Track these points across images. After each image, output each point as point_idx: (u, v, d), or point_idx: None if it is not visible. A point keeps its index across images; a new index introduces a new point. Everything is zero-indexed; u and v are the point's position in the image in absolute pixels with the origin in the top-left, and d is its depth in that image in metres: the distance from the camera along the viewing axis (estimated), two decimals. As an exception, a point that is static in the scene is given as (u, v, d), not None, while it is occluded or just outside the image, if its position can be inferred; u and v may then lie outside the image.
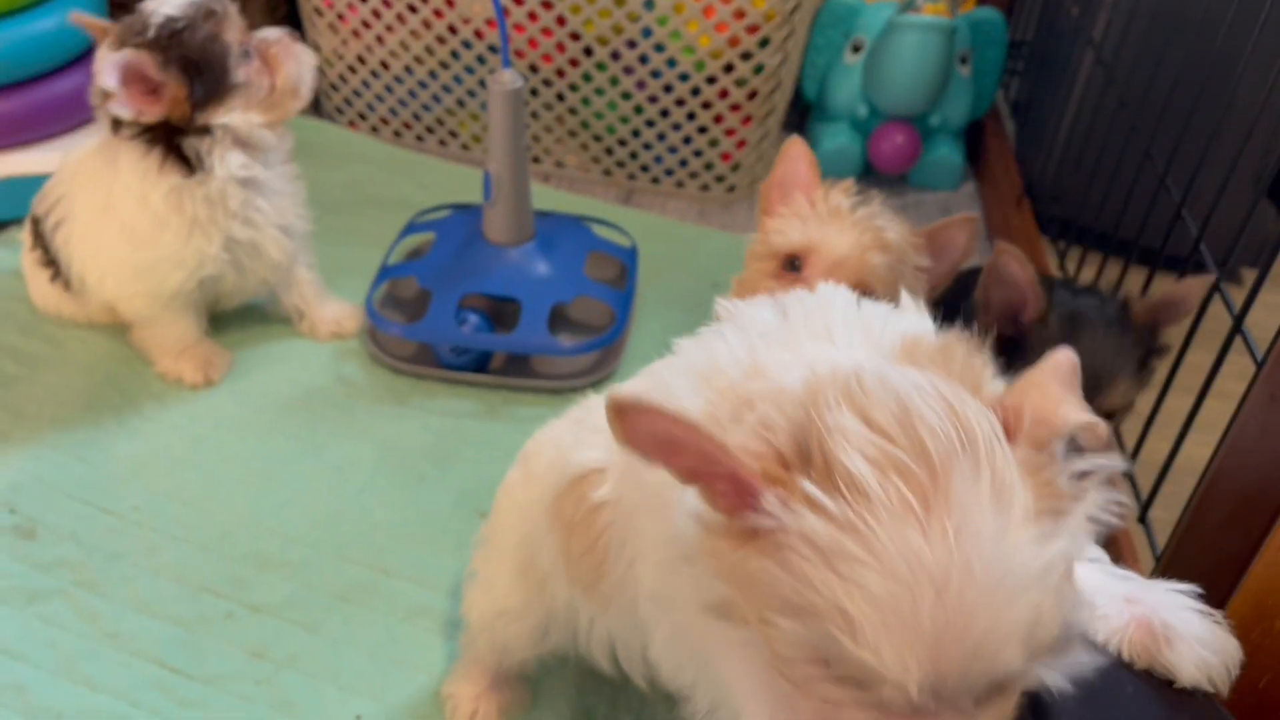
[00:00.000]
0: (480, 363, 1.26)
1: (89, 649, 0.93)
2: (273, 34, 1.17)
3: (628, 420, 0.42)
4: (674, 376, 0.53)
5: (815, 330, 0.50)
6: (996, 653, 0.39)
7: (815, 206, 0.91)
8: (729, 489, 0.43)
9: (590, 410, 0.74)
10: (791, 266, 0.91)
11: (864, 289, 0.76)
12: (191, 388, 1.21)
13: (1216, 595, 0.59)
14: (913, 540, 0.38)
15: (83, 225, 1.17)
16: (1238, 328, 0.85)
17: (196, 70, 1.07)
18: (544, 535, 0.73)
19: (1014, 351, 0.87)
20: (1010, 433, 0.41)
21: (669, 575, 0.53)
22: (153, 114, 1.07)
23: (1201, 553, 0.61)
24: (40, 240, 1.22)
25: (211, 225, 1.13)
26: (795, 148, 0.94)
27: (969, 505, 0.39)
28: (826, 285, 0.56)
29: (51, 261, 1.22)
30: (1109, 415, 0.94)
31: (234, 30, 1.11)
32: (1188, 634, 0.49)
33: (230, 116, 1.10)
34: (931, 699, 0.40)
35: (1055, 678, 0.42)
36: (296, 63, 1.16)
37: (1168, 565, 0.65)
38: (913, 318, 0.50)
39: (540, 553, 0.74)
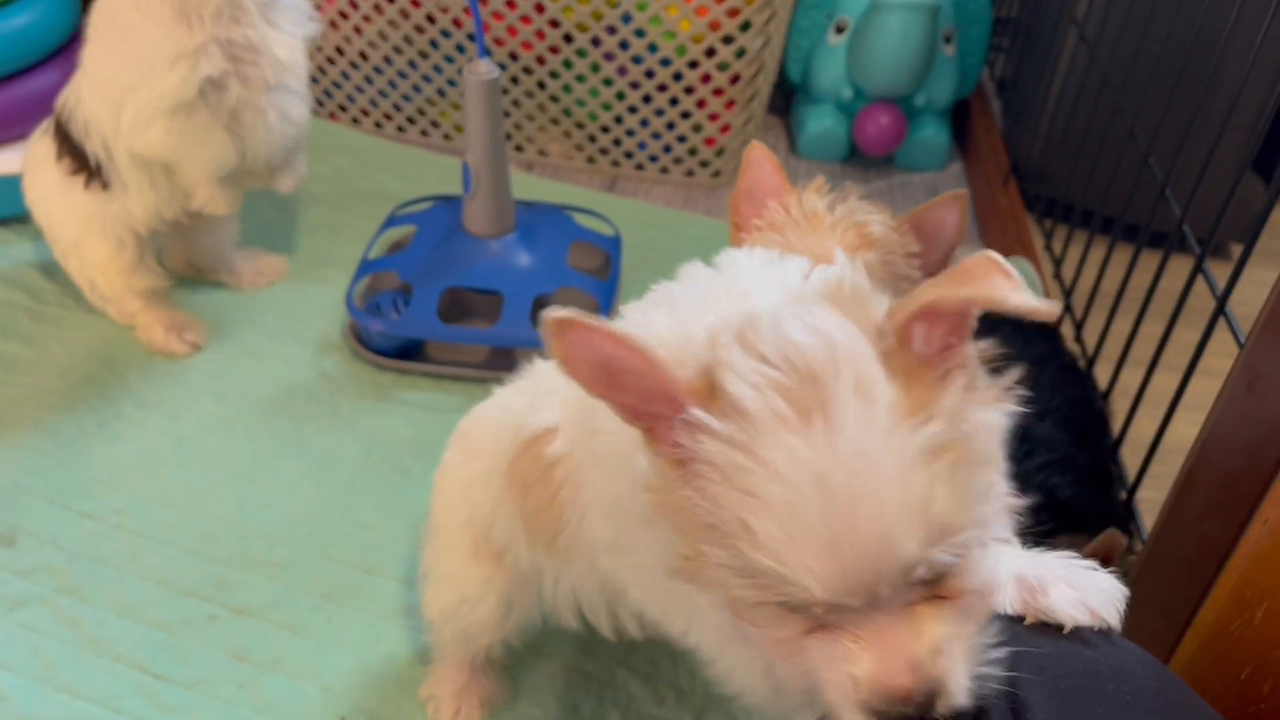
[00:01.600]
0: (409, 347, 1.25)
1: (71, 655, 0.92)
2: None
3: (568, 337, 0.45)
4: None
5: (735, 290, 0.55)
6: (892, 538, 0.42)
7: (790, 213, 0.84)
8: (662, 418, 0.46)
9: (539, 377, 0.76)
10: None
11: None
12: (180, 356, 1.25)
13: (1198, 585, 0.58)
14: (792, 445, 0.42)
15: (94, 68, 1.15)
16: (1221, 308, 0.84)
17: None
18: (496, 505, 0.75)
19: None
20: (899, 339, 0.45)
21: (625, 531, 0.57)
22: None
23: (1183, 542, 0.60)
24: (67, 143, 1.18)
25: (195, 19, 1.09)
26: (757, 153, 0.88)
27: (841, 409, 0.42)
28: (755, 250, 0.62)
29: (82, 162, 1.17)
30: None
31: None
32: (1059, 580, 0.51)
33: None
34: (847, 596, 0.43)
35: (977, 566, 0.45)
36: None
37: (1150, 554, 0.64)
38: (836, 269, 0.55)
39: (495, 523, 0.76)
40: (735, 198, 0.86)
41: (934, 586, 0.45)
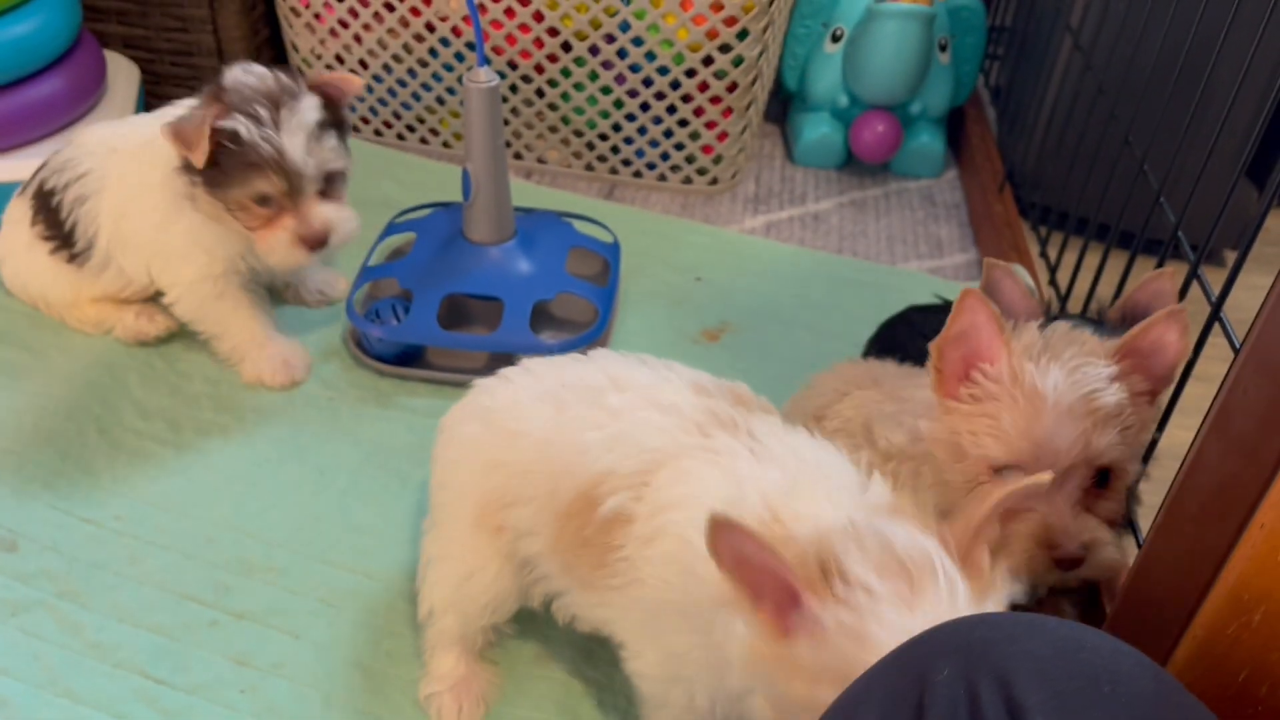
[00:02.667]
0: (409, 353, 1.26)
1: (72, 661, 0.92)
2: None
3: (722, 537, 0.58)
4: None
5: (817, 492, 0.67)
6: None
7: (1007, 387, 0.76)
8: (775, 602, 0.59)
9: (596, 389, 0.79)
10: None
11: (1103, 471, 0.76)
12: (279, 389, 1.22)
13: (1195, 589, 0.59)
14: (905, 620, 0.55)
15: (118, 200, 1.18)
16: (1216, 314, 0.85)
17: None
18: (526, 501, 0.79)
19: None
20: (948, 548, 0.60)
21: (667, 628, 0.72)
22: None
23: (1179, 546, 0.61)
24: (49, 214, 1.21)
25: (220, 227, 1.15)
26: (972, 300, 0.77)
27: (935, 596, 0.57)
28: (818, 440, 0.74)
29: (60, 236, 1.21)
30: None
31: None
32: None
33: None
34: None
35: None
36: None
37: (1146, 559, 0.65)
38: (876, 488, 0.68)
39: (514, 511, 0.80)
40: (942, 343, 0.79)
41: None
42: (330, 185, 1.13)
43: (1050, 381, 0.75)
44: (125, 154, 1.18)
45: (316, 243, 1.11)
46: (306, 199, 1.10)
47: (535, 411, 0.80)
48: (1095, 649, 0.49)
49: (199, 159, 1.05)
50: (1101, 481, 0.77)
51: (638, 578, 0.72)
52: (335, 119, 1.13)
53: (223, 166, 1.07)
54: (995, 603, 0.58)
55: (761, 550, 0.58)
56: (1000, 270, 0.92)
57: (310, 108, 1.09)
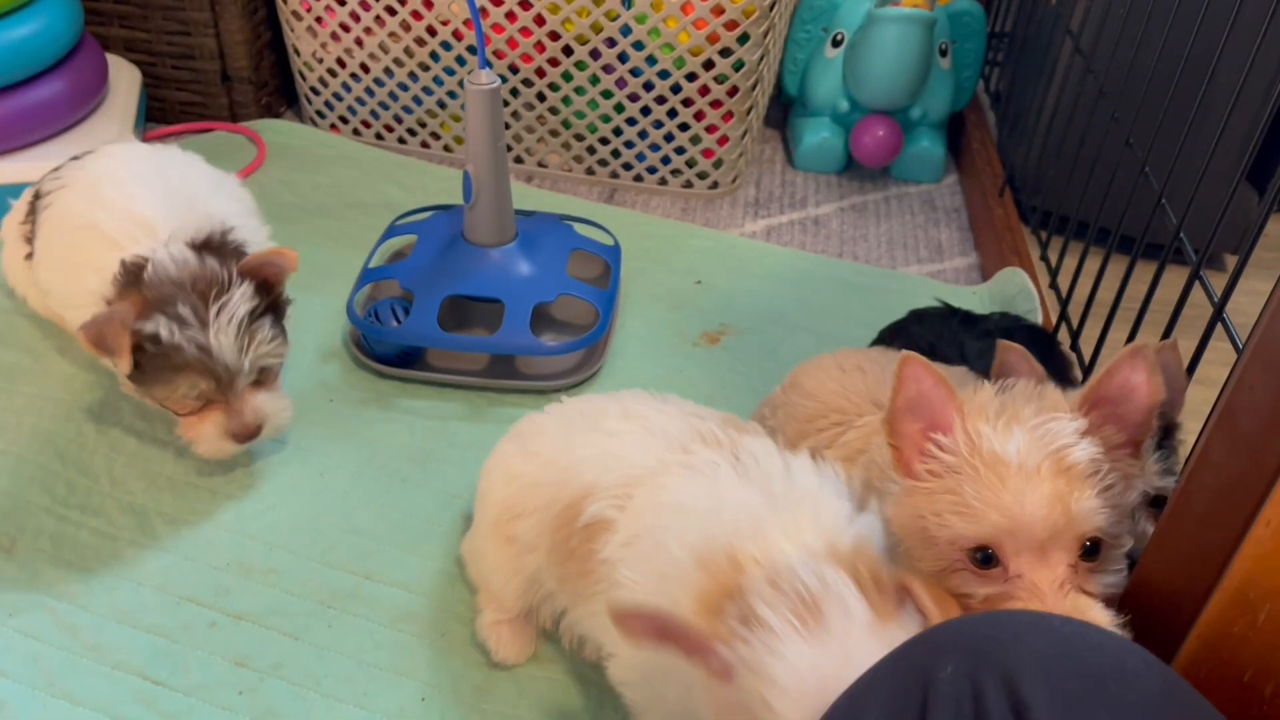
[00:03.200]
0: (409, 355, 1.25)
1: (70, 662, 0.92)
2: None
3: (627, 625, 0.62)
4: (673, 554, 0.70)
5: (795, 519, 0.68)
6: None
7: (965, 457, 0.70)
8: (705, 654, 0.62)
9: (607, 416, 0.85)
10: (984, 560, 0.69)
11: (1092, 541, 0.68)
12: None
13: (1200, 588, 0.59)
14: (802, 651, 0.59)
15: (50, 228, 1.13)
16: (1219, 315, 0.84)
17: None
18: (530, 513, 0.85)
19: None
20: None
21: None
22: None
23: (1184, 545, 0.61)
24: (31, 215, 1.18)
25: None
26: (913, 367, 0.71)
27: (832, 627, 0.59)
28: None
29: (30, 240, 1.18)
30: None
31: None
32: None
33: None
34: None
35: None
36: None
37: (1150, 558, 0.64)
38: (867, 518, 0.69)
39: (521, 523, 0.86)
40: (892, 416, 0.72)
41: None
42: (264, 374, 1.05)
43: (1011, 444, 0.67)
44: (89, 194, 1.10)
45: (247, 436, 1.04)
46: (238, 393, 1.02)
47: (551, 433, 0.89)
48: (1101, 647, 0.49)
49: (123, 366, 0.98)
50: (1091, 554, 0.69)
51: (616, 581, 0.74)
52: (272, 303, 1.05)
53: (145, 368, 0.99)
54: (899, 635, 0.59)
55: (663, 619, 0.62)
56: (1015, 354, 0.86)
57: (241, 299, 1.01)
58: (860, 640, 0.59)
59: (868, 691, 0.52)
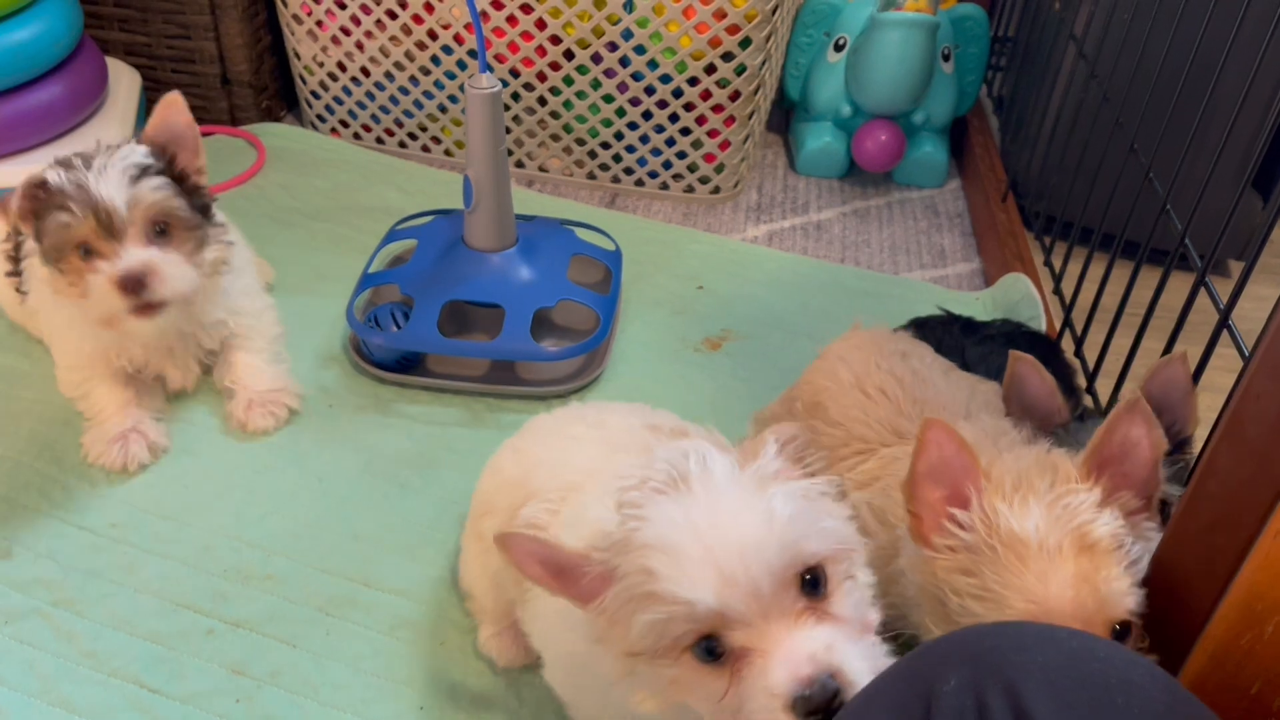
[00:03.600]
0: (409, 360, 1.25)
1: (66, 669, 0.91)
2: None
3: (507, 546, 0.62)
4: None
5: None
6: (754, 541, 0.56)
7: (983, 535, 0.66)
8: (581, 586, 0.61)
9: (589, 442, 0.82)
10: None
11: (1122, 625, 0.64)
12: (104, 467, 1.11)
13: (1206, 599, 0.58)
14: (668, 509, 0.58)
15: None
16: (1224, 321, 0.84)
17: None
18: (497, 511, 0.84)
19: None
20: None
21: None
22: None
23: (1190, 556, 0.60)
24: (17, 239, 1.17)
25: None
26: (937, 432, 0.68)
27: (696, 482, 0.59)
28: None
29: (17, 262, 1.18)
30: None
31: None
32: None
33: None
34: (735, 600, 0.56)
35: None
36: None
37: (1156, 569, 0.64)
38: None
39: (488, 521, 0.86)
40: (912, 482, 0.69)
41: (815, 604, 0.58)
42: (166, 237, 1.04)
43: (1030, 522, 0.63)
44: None
45: (132, 285, 1.01)
46: (126, 242, 1.01)
47: (535, 438, 0.88)
48: (1107, 659, 0.48)
49: (14, 218, 1.02)
50: (1121, 636, 0.64)
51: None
52: (175, 173, 1.06)
53: (40, 221, 1.02)
54: (762, 467, 0.60)
55: (540, 543, 0.62)
56: (1026, 364, 0.84)
57: (132, 152, 1.03)
58: (725, 485, 0.59)
59: (869, 705, 0.51)
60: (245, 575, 1.00)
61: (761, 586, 0.56)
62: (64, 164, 1.02)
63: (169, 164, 1.06)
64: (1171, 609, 0.61)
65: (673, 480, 0.59)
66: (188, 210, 1.06)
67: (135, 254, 1.02)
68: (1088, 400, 1.14)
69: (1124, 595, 0.63)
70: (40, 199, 1.01)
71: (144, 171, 1.02)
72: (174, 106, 1.08)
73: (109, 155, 1.02)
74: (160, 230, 1.04)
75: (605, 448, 0.79)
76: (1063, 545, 0.63)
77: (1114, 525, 0.64)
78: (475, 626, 0.95)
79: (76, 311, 1.07)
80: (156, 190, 1.03)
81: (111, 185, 1.00)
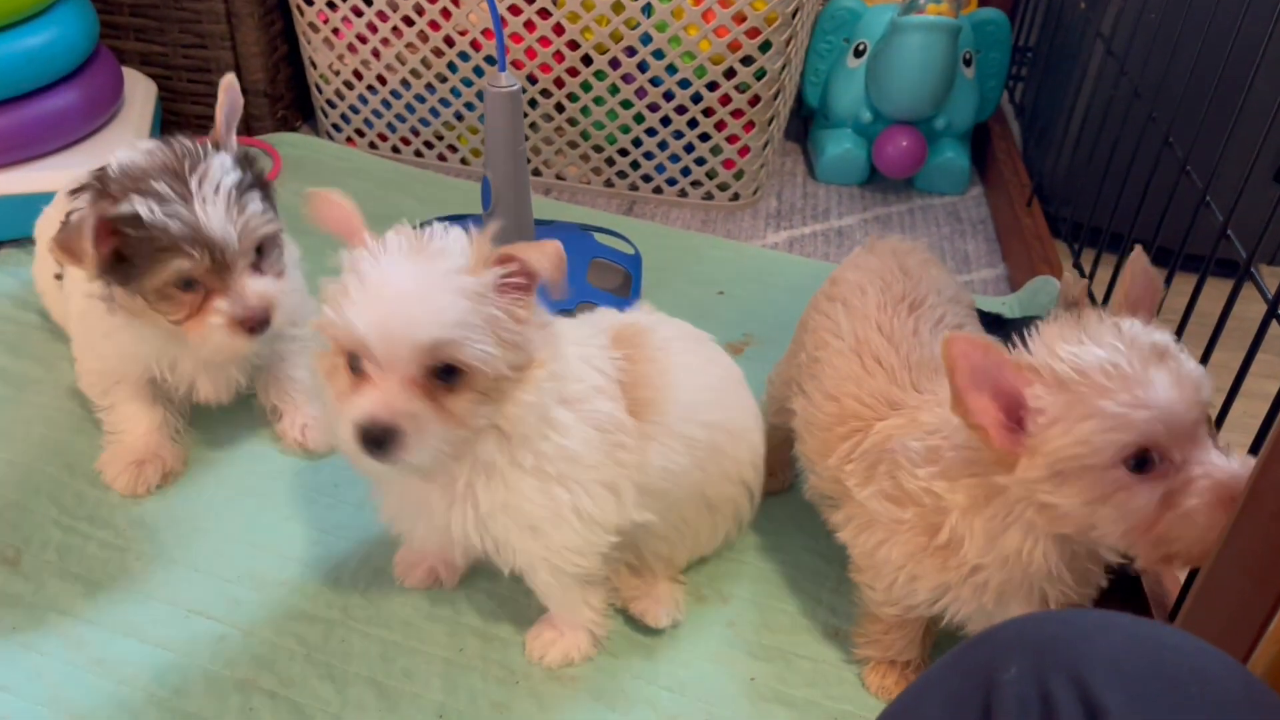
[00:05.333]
0: None
1: (75, 677, 0.88)
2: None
3: (316, 205, 0.78)
4: None
5: None
6: (417, 318, 0.70)
7: (1077, 387, 0.68)
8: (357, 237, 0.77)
9: None
10: (1140, 464, 0.67)
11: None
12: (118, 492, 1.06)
13: (1272, 589, 0.55)
14: (373, 267, 0.72)
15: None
16: (1273, 312, 0.81)
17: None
18: None
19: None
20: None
21: None
22: None
23: (1254, 545, 0.57)
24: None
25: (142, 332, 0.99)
26: (957, 347, 0.70)
27: (419, 260, 0.72)
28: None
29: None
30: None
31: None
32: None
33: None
34: (381, 348, 0.70)
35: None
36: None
37: (1218, 559, 0.61)
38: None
39: None
40: (959, 399, 0.71)
41: (444, 382, 0.72)
42: (263, 257, 0.97)
43: (1108, 349, 0.68)
44: None
45: (256, 323, 0.95)
46: (237, 275, 0.94)
47: None
48: (1177, 648, 0.45)
49: (90, 268, 0.90)
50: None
51: None
52: (255, 178, 0.97)
53: (130, 259, 0.91)
54: (471, 281, 0.72)
55: (344, 205, 0.78)
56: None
57: (223, 168, 0.93)
58: (431, 268, 0.71)
59: (923, 696, 0.48)
60: (259, 581, 0.98)
61: (400, 348, 0.71)
62: (149, 193, 0.89)
63: (253, 170, 0.97)
64: (1236, 597, 0.58)
65: (412, 247, 0.74)
66: (277, 221, 0.99)
67: (252, 288, 0.95)
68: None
69: (1208, 379, 0.68)
70: (131, 237, 0.90)
71: (241, 190, 0.93)
72: (235, 89, 1.01)
73: (203, 176, 0.91)
74: (258, 250, 0.97)
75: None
76: (1147, 357, 0.67)
77: (1168, 335, 0.70)
78: (492, 632, 0.92)
79: (125, 327, 0.98)
80: (261, 215, 0.95)
81: (221, 216, 0.91)
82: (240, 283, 0.94)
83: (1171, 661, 0.45)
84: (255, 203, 0.95)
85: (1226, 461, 0.66)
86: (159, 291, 0.93)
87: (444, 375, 0.72)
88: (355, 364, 0.73)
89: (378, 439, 0.71)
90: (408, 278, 0.71)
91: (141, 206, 0.89)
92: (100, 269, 0.92)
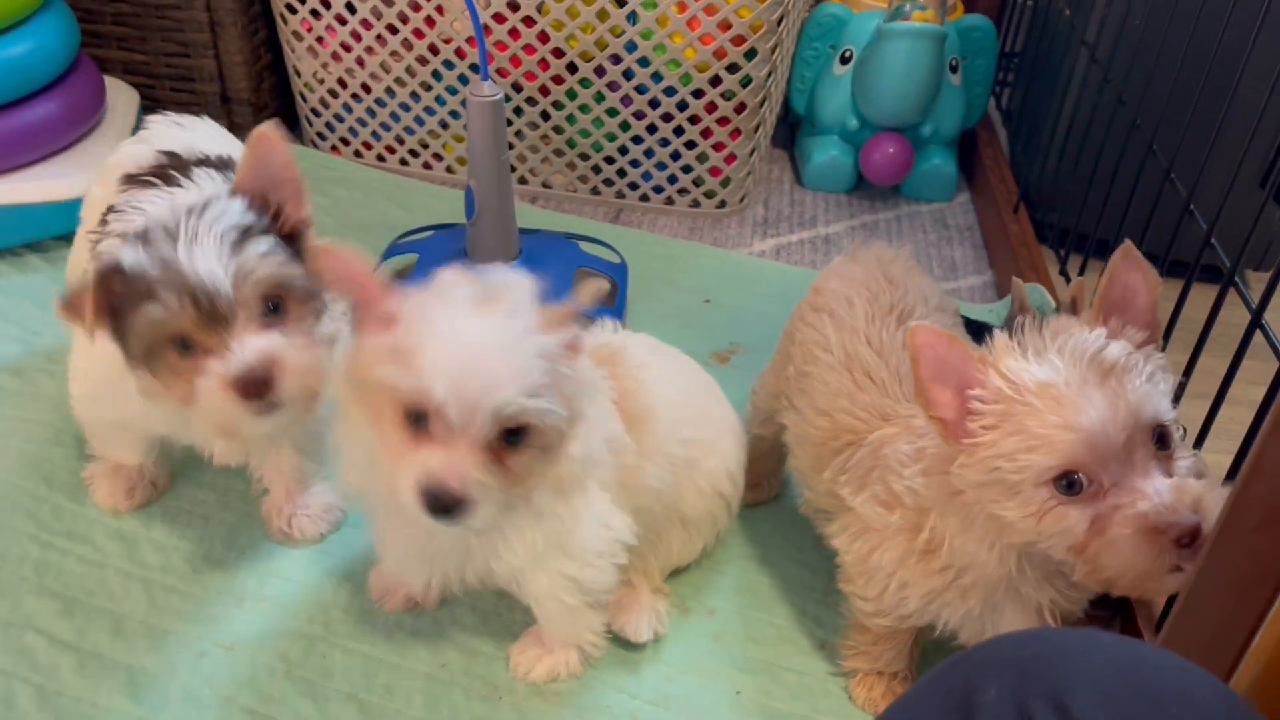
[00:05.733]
0: None
1: (51, 696, 0.87)
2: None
3: (324, 260, 0.74)
4: None
5: None
6: (493, 380, 0.67)
7: (1016, 396, 0.69)
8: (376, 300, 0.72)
9: None
10: (1071, 486, 0.68)
11: (1159, 432, 0.68)
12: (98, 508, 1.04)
13: (1255, 605, 0.54)
14: (460, 319, 0.69)
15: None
16: (1257, 322, 0.80)
17: None
18: None
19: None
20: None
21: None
22: None
23: (1237, 559, 0.56)
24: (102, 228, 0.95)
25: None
26: (922, 335, 0.71)
27: (494, 314, 0.69)
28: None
29: None
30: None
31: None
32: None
33: None
34: (454, 410, 0.67)
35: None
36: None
37: (1202, 573, 0.60)
38: None
39: None
40: (921, 389, 0.72)
41: (510, 441, 0.70)
42: (279, 313, 0.81)
43: (1048, 368, 0.68)
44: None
45: (251, 387, 0.79)
46: (235, 328, 0.79)
47: None
48: (1159, 668, 0.45)
49: (89, 328, 0.78)
50: (1163, 444, 0.69)
51: None
52: (282, 230, 0.83)
53: (121, 317, 0.79)
54: (547, 341, 0.70)
55: (352, 263, 0.72)
56: (1017, 288, 0.87)
57: (226, 210, 0.80)
58: (507, 325, 0.68)
59: (903, 718, 0.47)
60: (239, 597, 0.97)
61: (477, 413, 0.68)
62: (140, 236, 0.79)
63: (274, 219, 0.83)
64: (1218, 614, 0.58)
65: (484, 297, 0.71)
66: (303, 277, 0.83)
67: (250, 345, 0.79)
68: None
69: (1154, 399, 0.68)
70: (119, 290, 0.78)
71: (246, 234, 0.80)
72: (266, 142, 0.83)
73: (197, 216, 0.79)
74: (273, 307, 0.81)
75: None
76: (1086, 376, 0.67)
77: (1126, 349, 0.69)
78: (475, 647, 0.91)
79: (124, 390, 0.85)
80: (266, 257, 0.80)
81: (209, 257, 0.77)
82: (238, 336, 0.79)
83: (1154, 682, 0.44)
84: (263, 246, 0.80)
85: (1160, 491, 0.66)
86: (149, 353, 0.80)
87: (510, 435, 0.70)
88: (417, 419, 0.69)
89: (445, 506, 0.69)
90: (484, 335, 0.67)
91: (126, 253, 0.78)
92: (101, 330, 0.80)
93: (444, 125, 1.67)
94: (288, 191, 0.84)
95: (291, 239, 0.84)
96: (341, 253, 0.72)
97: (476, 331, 0.67)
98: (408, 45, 1.59)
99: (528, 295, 0.71)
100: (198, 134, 1.05)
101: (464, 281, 0.71)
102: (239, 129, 1.71)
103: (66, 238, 1.43)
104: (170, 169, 0.95)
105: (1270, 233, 1.46)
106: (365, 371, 0.70)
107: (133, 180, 0.94)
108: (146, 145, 1.01)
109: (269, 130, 0.83)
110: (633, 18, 1.49)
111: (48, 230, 1.39)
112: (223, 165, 0.98)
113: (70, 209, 1.39)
